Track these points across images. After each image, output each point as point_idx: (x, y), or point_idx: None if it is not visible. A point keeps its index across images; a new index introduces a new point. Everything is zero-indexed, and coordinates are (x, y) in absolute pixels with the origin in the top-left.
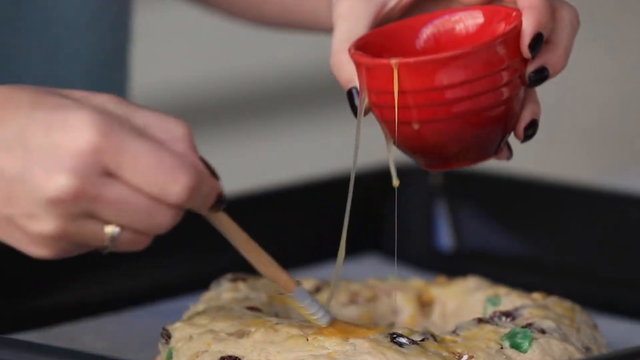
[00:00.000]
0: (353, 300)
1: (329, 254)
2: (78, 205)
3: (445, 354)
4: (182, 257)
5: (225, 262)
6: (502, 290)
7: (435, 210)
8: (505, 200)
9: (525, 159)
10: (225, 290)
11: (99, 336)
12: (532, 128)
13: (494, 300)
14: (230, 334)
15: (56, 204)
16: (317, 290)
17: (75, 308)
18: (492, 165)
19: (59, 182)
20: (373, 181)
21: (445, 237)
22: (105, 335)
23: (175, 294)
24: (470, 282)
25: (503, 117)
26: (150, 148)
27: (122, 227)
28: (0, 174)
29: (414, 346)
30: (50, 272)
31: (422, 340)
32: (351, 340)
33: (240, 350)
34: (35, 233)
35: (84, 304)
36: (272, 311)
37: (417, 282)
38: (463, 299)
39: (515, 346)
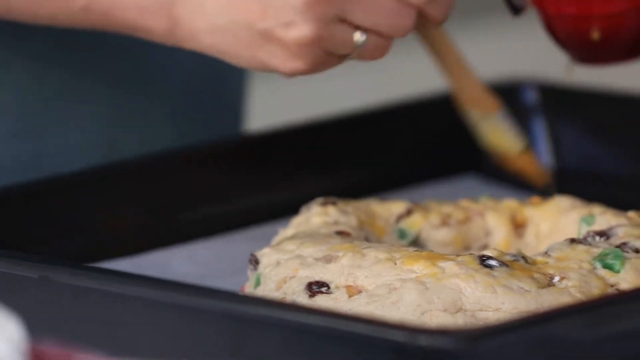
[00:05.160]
0: (445, 222)
1: (420, 178)
2: (331, 7)
3: (536, 275)
4: (274, 182)
5: (317, 187)
6: (596, 210)
7: (534, 128)
8: (605, 117)
9: (620, 74)
10: (314, 215)
11: (190, 263)
12: None
13: (588, 219)
14: (317, 259)
15: (312, 6)
16: (409, 213)
17: (166, 234)
18: (592, 79)
19: None
20: None
21: (543, 156)
22: (197, 261)
23: (266, 219)
24: (564, 202)
25: None
26: None
27: (369, 30)
28: None
29: (504, 268)
30: (141, 197)
31: (513, 262)
32: (440, 264)
33: (328, 275)
34: (293, 40)
35: (175, 230)
36: (362, 235)
37: (510, 202)
38: (557, 219)
39: (608, 267)
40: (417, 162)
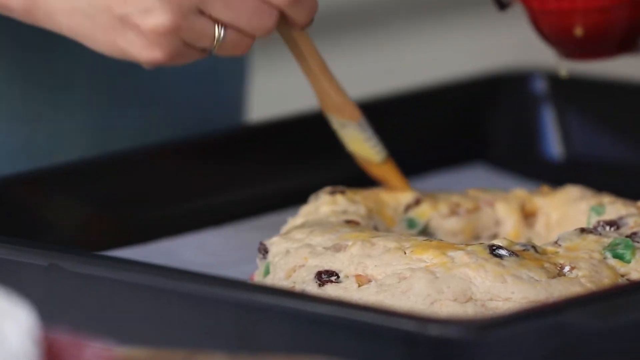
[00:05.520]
0: (454, 211)
1: (427, 166)
2: None
3: (546, 265)
4: (282, 171)
5: (325, 175)
6: (606, 199)
7: (543, 118)
8: (614, 106)
9: (630, 63)
10: (323, 204)
11: (199, 251)
12: None
13: (598, 209)
14: (327, 248)
15: None
16: (417, 202)
17: (175, 222)
18: (600, 69)
19: None
20: (478, 89)
21: (552, 146)
22: (205, 250)
23: (275, 208)
24: (574, 192)
25: None
26: None
27: (229, 25)
28: None
29: (513, 258)
30: (149, 185)
31: (523, 251)
32: (450, 253)
33: (337, 264)
34: (150, 28)
35: (184, 218)
36: (371, 225)
37: (520, 192)
38: (567, 208)
39: (618, 257)
40: (424, 151)
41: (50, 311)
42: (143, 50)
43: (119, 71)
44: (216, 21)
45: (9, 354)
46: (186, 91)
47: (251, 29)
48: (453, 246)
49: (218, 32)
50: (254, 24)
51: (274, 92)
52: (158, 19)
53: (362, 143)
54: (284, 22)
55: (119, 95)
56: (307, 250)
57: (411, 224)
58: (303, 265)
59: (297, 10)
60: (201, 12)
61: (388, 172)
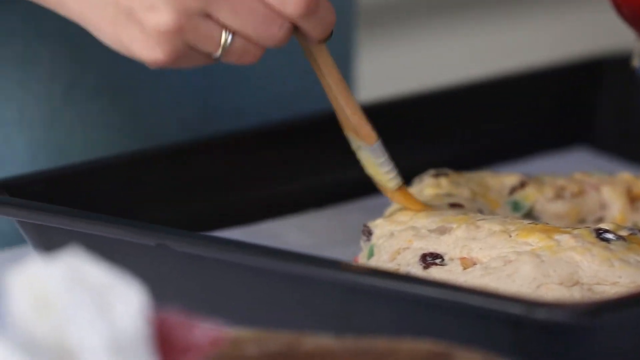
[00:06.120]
0: (559, 195)
1: (530, 150)
2: (196, 0)
3: None
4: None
5: (428, 158)
6: None
7: None
8: None
9: None
10: (427, 186)
11: (302, 233)
12: None
13: None
14: (431, 231)
15: None
16: (522, 185)
17: (277, 204)
18: None
19: None
20: (583, 72)
21: None
22: (309, 231)
23: (378, 190)
24: None
25: None
26: None
27: (236, 32)
28: None
29: (620, 242)
30: (254, 166)
31: (630, 235)
32: (555, 237)
33: (442, 247)
34: (152, 25)
35: (288, 199)
36: (475, 207)
37: (626, 175)
38: None
39: None
40: (528, 134)
41: (160, 291)
42: (144, 49)
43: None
44: (223, 26)
45: (121, 332)
46: (280, 77)
47: (259, 38)
48: (559, 230)
49: (225, 37)
50: (263, 34)
51: (381, 73)
52: (161, 17)
53: (375, 168)
54: (301, 34)
55: (216, 70)
56: (411, 232)
57: (516, 206)
58: (407, 248)
59: (312, 24)
60: (208, 16)
61: (401, 199)
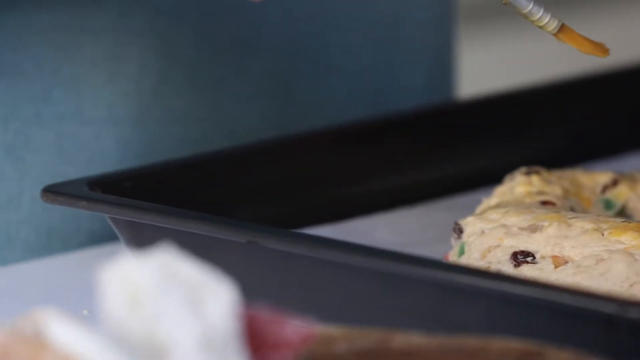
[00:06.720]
0: None
1: (626, 147)
2: None
3: None
4: (477, 151)
5: (519, 155)
6: None
7: None
8: None
9: None
10: (518, 184)
11: (392, 230)
12: None
13: None
14: (522, 229)
15: None
16: (615, 183)
17: (366, 202)
18: None
19: None
20: None
21: None
22: (399, 229)
23: (469, 188)
24: None
25: None
26: None
27: None
28: None
29: None
30: (344, 164)
31: None
32: None
33: (533, 245)
34: None
35: (378, 197)
36: (567, 205)
37: None
38: None
39: None
40: (621, 131)
41: (250, 288)
42: None
43: (302, 34)
44: None
45: (212, 329)
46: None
47: None
48: None
49: None
50: None
51: (479, 70)
52: None
53: (528, 18)
54: None
55: (302, 62)
56: (502, 230)
57: (608, 205)
58: (498, 246)
59: None
60: None
61: (566, 40)
